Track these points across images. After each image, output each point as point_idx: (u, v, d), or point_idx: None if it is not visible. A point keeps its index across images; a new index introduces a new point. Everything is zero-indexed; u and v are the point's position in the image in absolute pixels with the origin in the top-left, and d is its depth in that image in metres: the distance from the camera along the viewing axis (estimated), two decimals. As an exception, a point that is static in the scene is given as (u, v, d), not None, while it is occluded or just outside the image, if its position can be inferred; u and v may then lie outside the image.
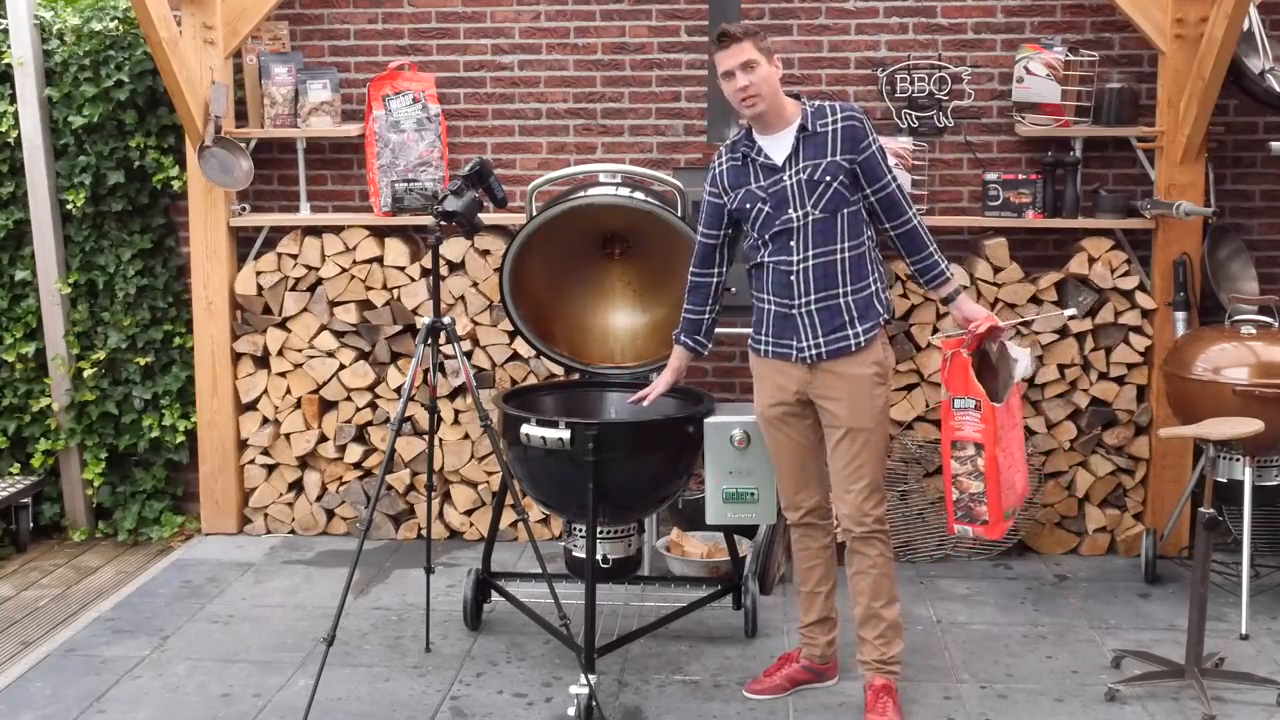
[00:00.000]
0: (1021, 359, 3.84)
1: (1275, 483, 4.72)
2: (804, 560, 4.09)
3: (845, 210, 3.79)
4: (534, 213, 4.37)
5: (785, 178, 3.81)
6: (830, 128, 3.81)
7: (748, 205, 3.87)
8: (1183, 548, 5.19)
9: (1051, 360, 5.29)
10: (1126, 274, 5.25)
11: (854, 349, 3.81)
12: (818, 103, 3.88)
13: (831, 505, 4.00)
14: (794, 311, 3.84)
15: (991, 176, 5.31)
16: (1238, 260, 5.39)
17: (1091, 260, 5.25)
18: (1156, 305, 5.23)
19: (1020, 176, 5.30)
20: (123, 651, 4.45)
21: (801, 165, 3.79)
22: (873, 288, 3.84)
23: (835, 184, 3.77)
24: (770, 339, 3.91)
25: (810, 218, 3.78)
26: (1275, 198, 5.47)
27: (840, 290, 3.81)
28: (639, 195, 4.32)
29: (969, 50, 5.45)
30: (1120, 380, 5.30)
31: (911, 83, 5.42)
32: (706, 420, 4.14)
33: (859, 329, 3.81)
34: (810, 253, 3.80)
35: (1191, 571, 4.13)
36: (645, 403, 4.23)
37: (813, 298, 3.81)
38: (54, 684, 4.19)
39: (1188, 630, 4.03)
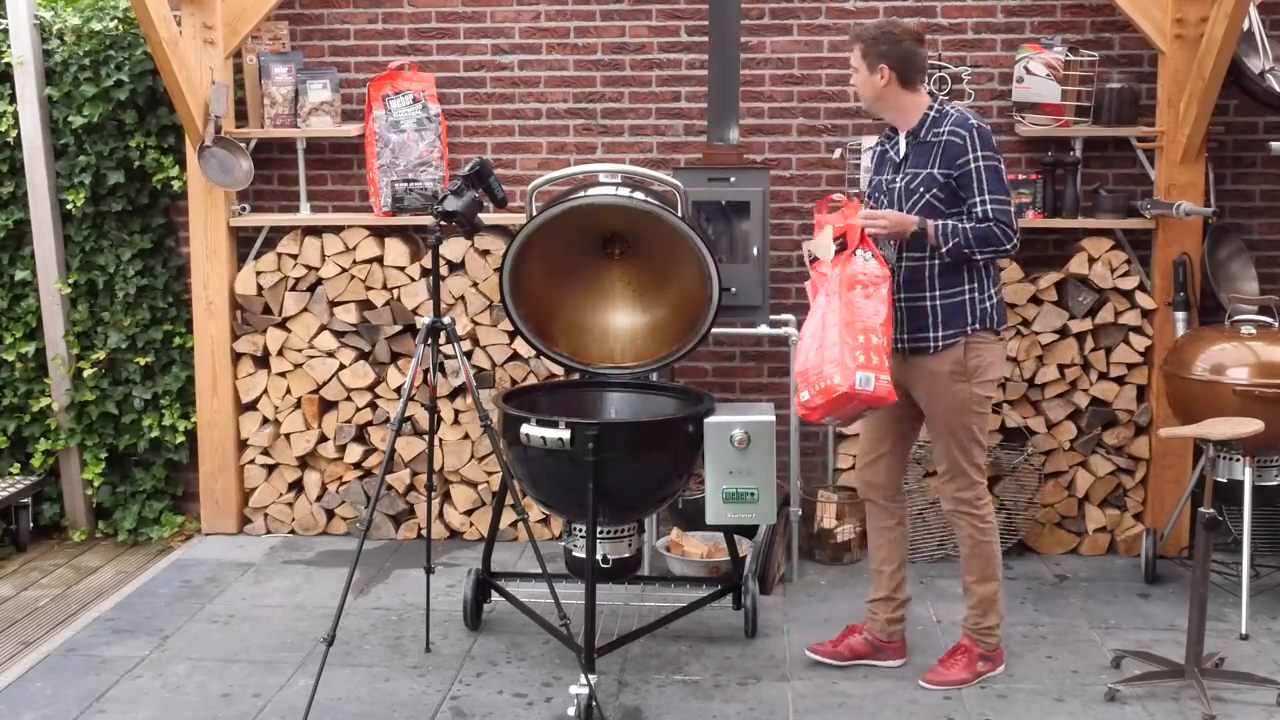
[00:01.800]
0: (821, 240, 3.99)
1: (1275, 483, 4.72)
2: (871, 537, 4.32)
3: (937, 221, 3.92)
4: (534, 213, 4.36)
5: (897, 179, 4.03)
6: (938, 138, 3.95)
7: (876, 195, 4.13)
8: (1183, 548, 5.19)
9: (1051, 360, 5.29)
10: (1126, 274, 5.25)
11: (931, 350, 3.99)
12: (946, 109, 4.01)
13: (901, 489, 4.30)
14: (895, 306, 4.00)
15: (991, 176, 5.31)
16: (1238, 260, 5.39)
17: (1091, 260, 5.26)
18: (1156, 305, 5.23)
19: (1020, 176, 5.29)
20: (123, 651, 4.44)
21: (906, 171, 4.00)
22: (967, 296, 3.97)
23: (929, 195, 3.94)
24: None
25: None
26: (1275, 198, 5.47)
27: (928, 294, 3.98)
28: (639, 195, 4.31)
29: (969, 50, 5.45)
30: (1120, 380, 5.30)
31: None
32: (706, 420, 4.14)
33: (940, 333, 3.98)
34: (906, 254, 3.99)
35: (1191, 571, 4.13)
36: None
37: (903, 296, 4.01)
38: (54, 684, 4.19)
39: (1188, 630, 4.03)
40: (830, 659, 4.25)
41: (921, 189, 3.93)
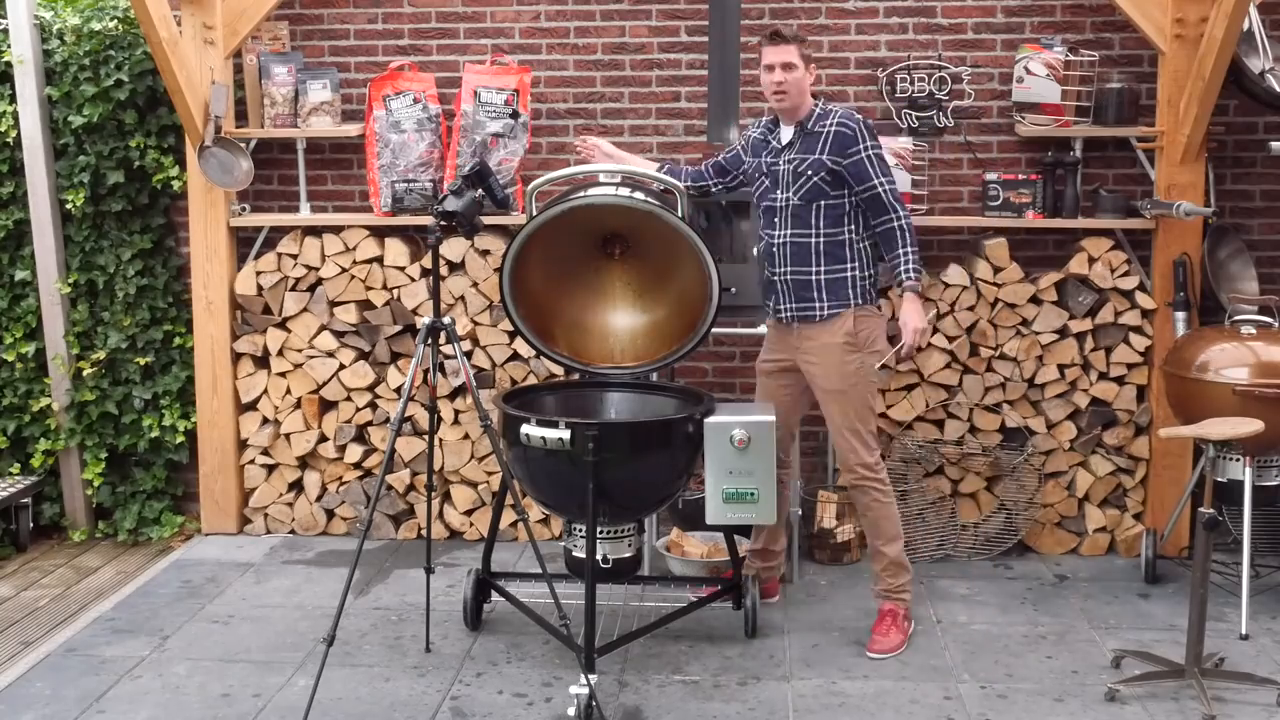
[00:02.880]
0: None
1: (1275, 483, 4.72)
2: None
3: (823, 202, 4.34)
4: (534, 213, 4.37)
5: (781, 162, 4.40)
6: (825, 129, 4.34)
7: (757, 175, 4.50)
8: (1183, 548, 5.19)
9: (1051, 360, 5.29)
10: (1126, 274, 5.25)
11: (818, 318, 4.36)
12: (829, 107, 4.41)
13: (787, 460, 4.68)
14: (775, 278, 4.43)
15: (991, 176, 5.31)
16: (1238, 260, 5.39)
17: (1091, 260, 5.25)
18: (1156, 305, 5.23)
19: (1020, 176, 5.30)
20: (123, 651, 4.45)
21: (793, 156, 4.37)
22: (849, 274, 4.36)
23: (816, 178, 4.32)
24: (770, 298, 4.49)
25: (790, 203, 4.37)
26: (1275, 198, 5.47)
27: (813, 269, 4.36)
28: (639, 195, 4.31)
29: (969, 50, 5.45)
30: (1120, 380, 5.30)
31: (911, 83, 5.42)
32: (706, 420, 4.14)
33: (825, 302, 4.35)
34: (789, 232, 4.38)
35: (1191, 571, 4.13)
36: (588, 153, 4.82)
37: (789, 270, 4.39)
38: (54, 684, 4.19)
39: (1188, 630, 4.03)
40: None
41: (809, 172, 4.32)
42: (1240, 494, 4.59)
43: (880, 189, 4.31)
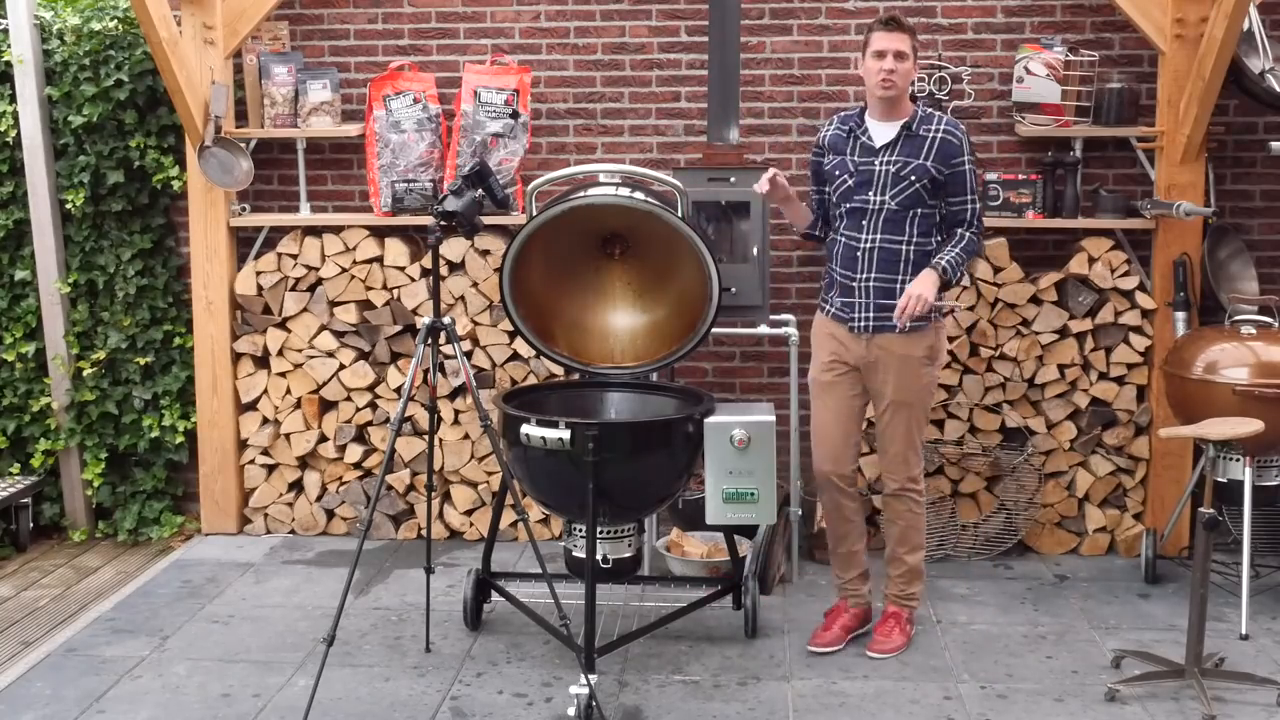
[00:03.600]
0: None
1: (1275, 483, 4.72)
2: (840, 524, 4.44)
3: (920, 210, 4.16)
4: (534, 213, 4.36)
5: (877, 163, 4.19)
6: (931, 134, 4.17)
7: (838, 173, 4.26)
8: (1183, 548, 5.19)
9: (1051, 360, 5.29)
10: (1126, 274, 5.25)
11: (897, 330, 4.13)
12: (929, 110, 4.26)
13: (859, 468, 4.58)
14: (854, 284, 4.22)
15: (991, 176, 5.31)
16: (1238, 260, 5.39)
17: (1091, 260, 5.25)
18: (1156, 305, 5.23)
19: (1020, 176, 5.30)
20: (123, 651, 4.44)
21: (894, 157, 4.17)
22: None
23: (918, 184, 4.14)
24: (835, 300, 4.29)
25: (886, 206, 4.17)
26: (1275, 198, 5.47)
27: (900, 278, 4.17)
28: (639, 195, 4.31)
29: (969, 50, 5.45)
30: (1120, 380, 5.30)
31: (912, 83, 5.41)
32: (706, 420, 4.14)
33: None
34: (879, 237, 4.19)
35: (1191, 571, 4.13)
36: (764, 186, 4.22)
37: (872, 276, 4.19)
38: (54, 684, 4.19)
39: (1188, 630, 4.03)
40: (834, 647, 4.38)
41: (913, 177, 4.14)
42: (1240, 494, 4.59)
43: (971, 205, 4.19)
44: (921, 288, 4.05)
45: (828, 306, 4.33)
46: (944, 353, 4.37)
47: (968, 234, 4.20)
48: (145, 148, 5.63)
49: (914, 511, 4.39)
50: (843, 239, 4.25)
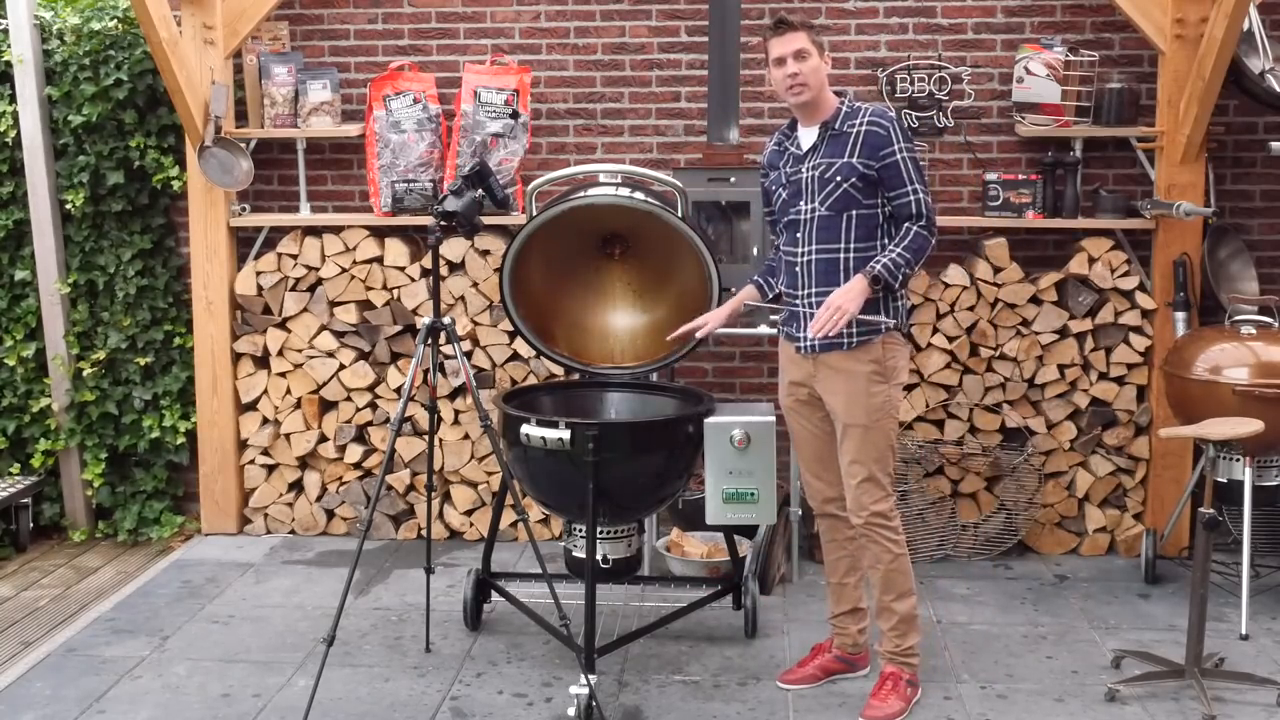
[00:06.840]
0: None
1: (1275, 483, 4.72)
2: (830, 551, 4.16)
3: (855, 212, 3.79)
4: (534, 213, 4.36)
5: (804, 170, 3.86)
6: (856, 129, 3.80)
7: (774, 189, 3.97)
8: (1183, 548, 5.19)
9: (1051, 360, 5.29)
10: (1126, 274, 5.25)
11: (845, 347, 3.82)
12: (856, 104, 3.87)
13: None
14: (798, 304, 3.91)
15: (991, 176, 5.31)
16: (1238, 260, 5.39)
17: (1091, 260, 5.26)
18: (1156, 305, 5.23)
19: (1020, 176, 5.30)
20: (123, 651, 4.45)
21: (818, 161, 3.83)
22: (881, 294, 3.77)
23: (846, 185, 3.78)
24: (789, 321, 3.99)
25: (816, 213, 3.83)
26: (1275, 198, 5.47)
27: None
28: (639, 195, 4.31)
29: (969, 50, 5.45)
30: (1120, 380, 5.30)
31: (911, 83, 5.42)
32: (706, 420, 4.13)
33: (854, 328, 3.78)
34: (814, 248, 3.85)
35: (1191, 571, 4.13)
36: (700, 333, 4.12)
37: (813, 291, 3.85)
38: (54, 684, 4.19)
39: (1188, 630, 4.03)
40: (804, 684, 4.12)
41: (839, 178, 3.77)
42: (1240, 494, 4.59)
43: (913, 196, 3.77)
44: (843, 299, 3.67)
45: (783, 328, 4.02)
46: (902, 369, 3.90)
47: (914, 228, 3.76)
48: (145, 148, 5.63)
49: (890, 552, 3.89)
50: (784, 256, 3.94)
